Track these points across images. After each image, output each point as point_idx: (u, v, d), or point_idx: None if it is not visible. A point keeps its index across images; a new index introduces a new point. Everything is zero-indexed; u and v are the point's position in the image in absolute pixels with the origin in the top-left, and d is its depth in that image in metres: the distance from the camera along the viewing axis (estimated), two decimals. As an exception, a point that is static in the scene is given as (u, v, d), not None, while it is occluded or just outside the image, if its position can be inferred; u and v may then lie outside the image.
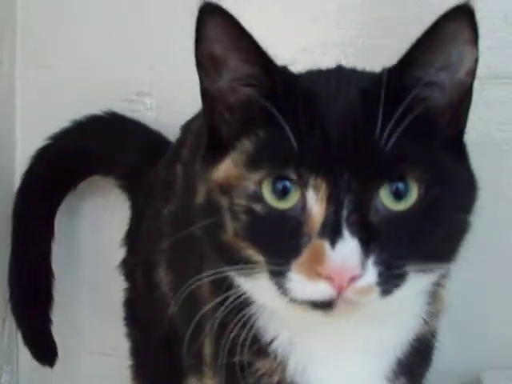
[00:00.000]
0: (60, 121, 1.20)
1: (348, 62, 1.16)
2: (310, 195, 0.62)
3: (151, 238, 1.04)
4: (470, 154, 0.71)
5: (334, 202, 0.61)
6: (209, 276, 0.70)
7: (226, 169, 0.67)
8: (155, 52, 1.24)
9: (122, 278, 1.14)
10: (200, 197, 0.70)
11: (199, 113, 1.06)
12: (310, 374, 0.73)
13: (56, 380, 1.32)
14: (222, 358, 0.73)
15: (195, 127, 1.02)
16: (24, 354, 1.30)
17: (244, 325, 0.71)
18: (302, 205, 0.63)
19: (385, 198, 0.63)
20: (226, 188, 0.66)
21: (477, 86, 0.66)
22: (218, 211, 0.66)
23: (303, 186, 0.62)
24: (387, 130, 0.61)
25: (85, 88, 1.25)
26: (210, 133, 0.71)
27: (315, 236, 0.61)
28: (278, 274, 0.63)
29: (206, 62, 0.67)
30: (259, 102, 0.65)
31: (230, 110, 0.69)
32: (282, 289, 0.63)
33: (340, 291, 0.60)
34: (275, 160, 0.64)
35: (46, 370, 1.26)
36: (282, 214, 0.63)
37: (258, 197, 0.64)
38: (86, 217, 1.31)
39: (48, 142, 1.20)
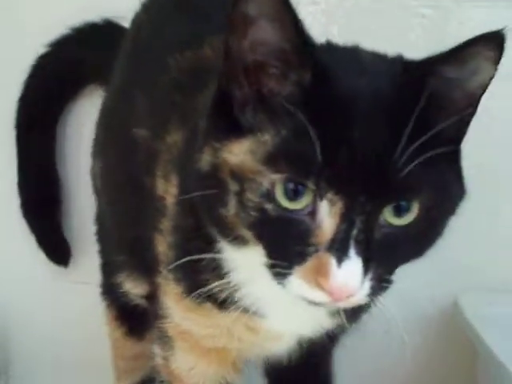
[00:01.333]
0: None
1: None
2: (324, 206, 0.63)
3: (95, 134, 1.08)
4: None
5: (347, 220, 0.62)
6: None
7: (241, 156, 0.65)
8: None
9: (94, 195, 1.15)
10: (204, 163, 0.67)
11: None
12: (256, 303, 0.77)
13: (39, 309, 1.35)
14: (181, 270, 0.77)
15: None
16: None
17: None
18: (312, 211, 0.63)
19: (387, 214, 0.64)
20: (238, 176, 0.64)
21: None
22: (222, 190, 0.66)
23: (319, 194, 0.62)
24: (408, 153, 0.62)
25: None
26: (222, 97, 0.68)
27: (323, 249, 0.63)
28: (279, 273, 0.65)
29: (238, 24, 0.64)
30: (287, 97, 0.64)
31: (251, 84, 0.66)
32: (280, 283, 0.66)
33: (336, 301, 0.64)
34: (296, 167, 0.62)
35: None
36: (292, 217, 0.63)
37: (270, 197, 0.64)
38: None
39: (47, 49, 1.20)
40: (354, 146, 0.61)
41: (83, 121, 1.27)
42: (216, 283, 0.75)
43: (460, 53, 0.64)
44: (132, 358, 1.14)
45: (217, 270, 0.75)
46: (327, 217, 0.62)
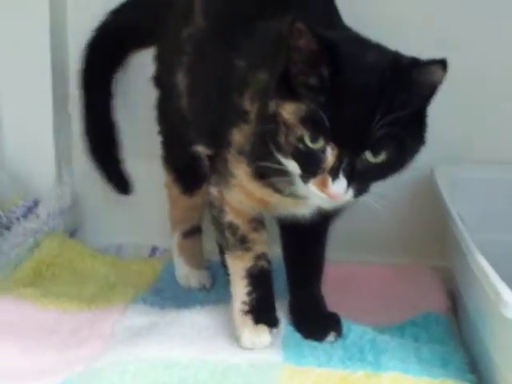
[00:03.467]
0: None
1: None
2: (329, 149, 1.02)
3: (171, 53, 1.39)
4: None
5: (339, 159, 1.02)
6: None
7: (290, 113, 1.04)
8: None
9: (155, 88, 1.48)
10: (270, 109, 1.07)
11: None
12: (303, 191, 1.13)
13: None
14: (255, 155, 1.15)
15: None
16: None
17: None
18: (323, 150, 1.03)
19: (367, 155, 1.03)
20: (286, 124, 1.05)
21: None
22: (278, 127, 1.06)
23: (326, 143, 1.02)
24: (380, 124, 1.00)
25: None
26: (285, 72, 1.06)
27: (326, 171, 1.03)
28: (303, 179, 1.06)
29: (294, 35, 1.03)
30: (314, 94, 1.03)
31: (300, 69, 1.05)
32: (304, 184, 1.06)
33: (331, 199, 1.05)
34: (316, 127, 1.02)
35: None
36: (312, 152, 1.03)
37: (301, 139, 1.04)
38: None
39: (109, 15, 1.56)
40: (347, 118, 1.01)
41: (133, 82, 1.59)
42: (280, 182, 1.13)
43: (424, 68, 1.03)
44: (184, 210, 1.51)
45: (282, 173, 1.11)
46: (330, 155, 1.03)
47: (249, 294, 1.22)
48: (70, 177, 1.68)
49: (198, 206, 1.50)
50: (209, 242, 1.55)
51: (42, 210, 1.58)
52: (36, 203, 1.59)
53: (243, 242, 1.23)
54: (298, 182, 1.10)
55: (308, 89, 1.03)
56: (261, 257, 1.23)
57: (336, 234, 1.34)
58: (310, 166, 1.05)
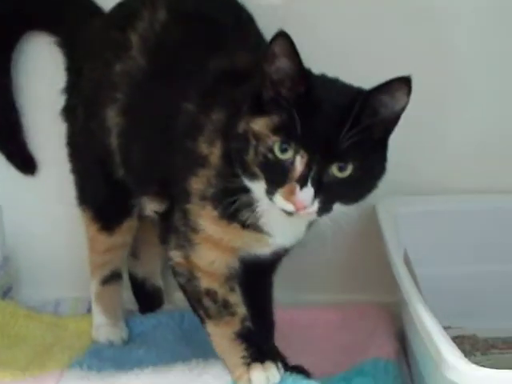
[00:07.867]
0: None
1: None
2: (298, 158, 1.05)
3: (99, 86, 1.33)
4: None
5: (308, 167, 1.05)
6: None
7: (260, 126, 1.08)
8: None
9: (64, 122, 1.43)
10: (240, 129, 1.09)
11: None
12: (272, 228, 1.17)
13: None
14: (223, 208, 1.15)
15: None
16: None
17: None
18: (291, 161, 1.05)
19: (334, 169, 1.06)
20: (257, 136, 1.08)
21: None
22: (247, 144, 1.08)
23: (296, 151, 1.05)
24: (347, 136, 1.04)
25: None
26: (257, 94, 1.09)
27: (293, 180, 1.05)
28: (269, 192, 1.07)
29: (270, 58, 1.06)
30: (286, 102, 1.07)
31: (273, 90, 1.08)
32: (270, 199, 1.08)
33: (297, 210, 1.05)
34: (287, 134, 1.05)
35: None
36: (281, 162, 1.06)
37: (271, 149, 1.06)
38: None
39: None
40: (317, 128, 1.05)
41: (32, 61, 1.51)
42: (247, 212, 1.14)
43: (388, 87, 1.07)
44: (103, 252, 1.44)
45: (248, 203, 1.13)
46: (298, 164, 1.05)
47: (247, 349, 1.21)
48: (0, 233, 1.61)
49: (118, 248, 1.43)
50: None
51: (-30, 272, 1.51)
52: (-36, 264, 1.52)
53: (226, 307, 1.21)
54: (263, 206, 1.12)
55: (280, 104, 1.07)
56: (245, 319, 1.22)
57: (281, 275, 1.32)
58: (278, 177, 1.06)
